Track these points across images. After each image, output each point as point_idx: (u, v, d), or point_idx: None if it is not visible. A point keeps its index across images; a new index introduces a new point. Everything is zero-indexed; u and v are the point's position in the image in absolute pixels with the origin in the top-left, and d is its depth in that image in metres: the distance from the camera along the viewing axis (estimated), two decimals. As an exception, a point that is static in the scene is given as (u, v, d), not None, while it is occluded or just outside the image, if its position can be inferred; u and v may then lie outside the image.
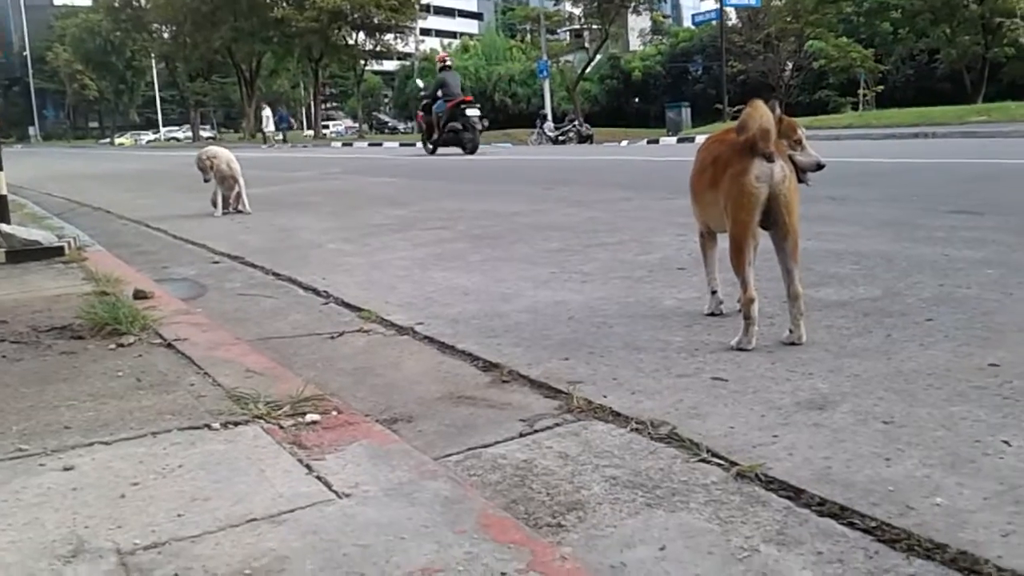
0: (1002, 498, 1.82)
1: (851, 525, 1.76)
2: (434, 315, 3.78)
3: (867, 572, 1.59)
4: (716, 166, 3.07)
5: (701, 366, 2.82)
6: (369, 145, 35.63)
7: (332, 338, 3.59)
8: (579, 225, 6.34)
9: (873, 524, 1.75)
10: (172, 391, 2.38)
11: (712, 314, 3.47)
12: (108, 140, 74.78)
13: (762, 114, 2.86)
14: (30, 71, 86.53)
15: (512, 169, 14.25)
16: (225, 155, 8.51)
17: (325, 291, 4.45)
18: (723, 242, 3.21)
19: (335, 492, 1.61)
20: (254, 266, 5.41)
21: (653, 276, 4.32)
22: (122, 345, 3.01)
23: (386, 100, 75.18)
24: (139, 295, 3.79)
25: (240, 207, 8.69)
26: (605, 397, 2.58)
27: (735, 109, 32.00)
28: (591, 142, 29.74)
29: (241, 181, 8.64)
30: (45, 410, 2.27)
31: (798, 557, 1.66)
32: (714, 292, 3.49)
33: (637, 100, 50.74)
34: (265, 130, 45.87)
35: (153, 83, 75.88)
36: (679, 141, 23.86)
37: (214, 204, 8.65)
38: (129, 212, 9.49)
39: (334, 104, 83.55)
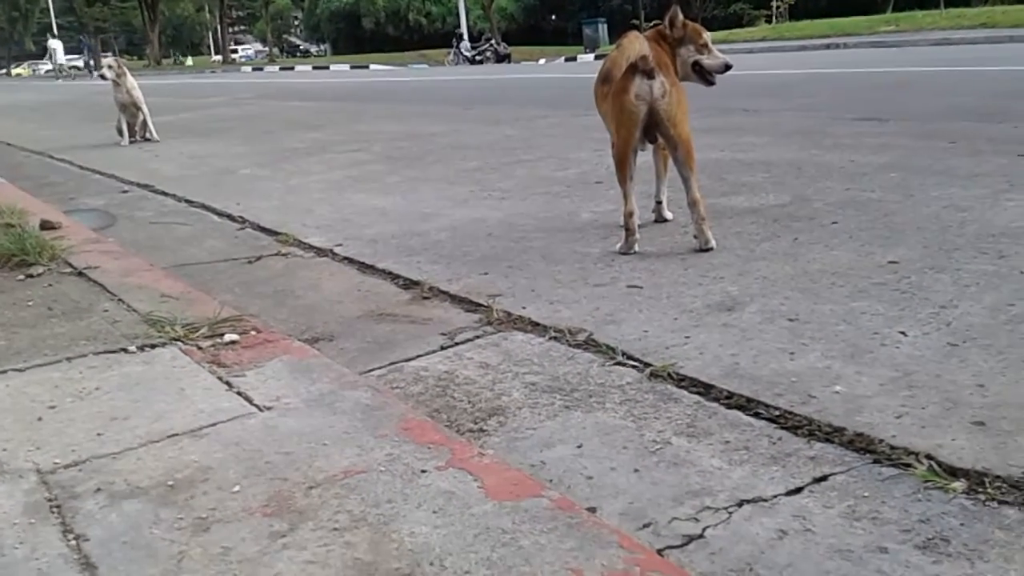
0: (897, 383, 1.93)
1: (757, 415, 1.85)
2: (352, 236, 3.76)
3: (771, 456, 1.69)
4: (607, 83, 3.10)
5: (617, 276, 2.88)
6: (281, 69, 34.59)
7: (250, 262, 3.55)
8: (497, 143, 6.32)
9: (777, 413, 1.84)
10: (86, 318, 2.34)
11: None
12: (4, 71, 70.86)
13: (635, 49, 2.90)
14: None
15: (429, 90, 14.03)
16: (128, 81, 8.18)
17: (240, 216, 4.37)
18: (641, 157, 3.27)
19: (256, 406, 1.62)
20: (165, 194, 5.27)
21: (571, 191, 4.35)
22: (31, 276, 2.93)
23: (296, 22, 72.73)
24: (46, 226, 3.66)
25: (147, 135, 8.40)
26: (524, 308, 2.63)
27: (651, 24, 31.94)
28: (509, 61, 29.37)
29: (144, 108, 8.34)
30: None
31: (707, 447, 1.74)
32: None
33: (554, 17, 50.11)
34: (56, 64, 43.25)
35: (49, 9, 71.81)
36: (597, 58, 23.73)
37: (120, 133, 8.35)
38: (32, 144, 9.09)
39: (242, 28, 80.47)
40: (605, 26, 28.86)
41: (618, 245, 3.12)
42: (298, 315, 2.82)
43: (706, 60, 3.15)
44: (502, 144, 6.25)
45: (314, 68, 33.37)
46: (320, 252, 3.58)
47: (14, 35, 78.93)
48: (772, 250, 3.05)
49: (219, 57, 59.42)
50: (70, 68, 42.78)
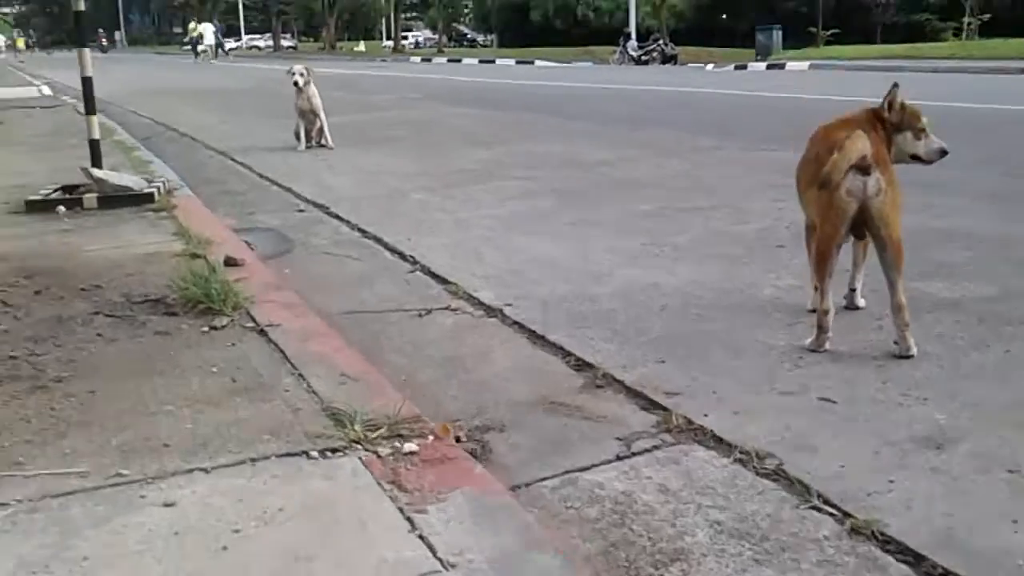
0: None
1: (978, 611, 1.66)
2: (523, 295, 3.69)
3: None
4: (817, 166, 2.90)
5: (807, 382, 2.69)
6: (448, 61, 35.25)
7: (420, 315, 3.55)
8: (667, 181, 6.14)
9: (1004, 615, 1.65)
10: (268, 399, 2.36)
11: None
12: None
13: (856, 149, 2.69)
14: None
15: (594, 100, 13.89)
16: (310, 89, 8.45)
17: (411, 256, 4.39)
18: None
19: (440, 559, 1.57)
20: (339, 219, 5.38)
21: (751, 255, 4.15)
22: (215, 328, 3.01)
23: (467, 10, 73.93)
24: (229, 262, 3.78)
25: (323, 141, 8.67)
26: (706, 416, 2.48)
27: (828, 33, 30.63)
28: (675, 62, 28.87)
29: (322, 115, 8.60)
30: (143, 418, 2.27)
31: (921, 650, 1.57)
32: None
33: (724, 16, 48.90)
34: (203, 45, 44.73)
35: (237, -9, 75.78)
36: (768, 68, 23.00)
37: (297, 137, 8.64)
38: (214, 141, 9.56)
39: (414, 15, 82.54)
40: (780, 33, 27.85)
41: (808, 341, 2.93)
42: (469, 393, 2.78)
43: (923, 150, 2.92)
44: (673, 182, 6.06)
45: (480, 61, 33.83)
46: (490, 311, 3.53)
47: (203, 13, 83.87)
48: (980, 364, 2.78)
49: (390, 43, 61.01)
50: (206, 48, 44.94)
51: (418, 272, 4.16)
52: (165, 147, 9.42)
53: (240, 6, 76.05)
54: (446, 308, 3.62)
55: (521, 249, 4.45)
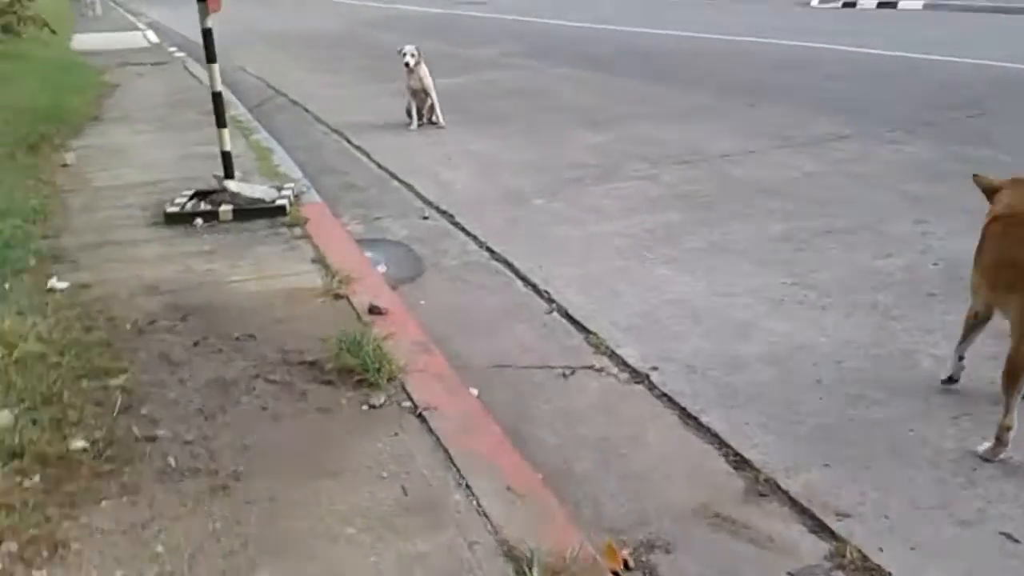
0: None
1: None
2: (666, 354, 3.66)
3: None
4: (1017, 270, 2.75)
5: (983, 506, 2.61)
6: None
7: (564, 376, 3.56)
8: (794, 188, 5.92)
9: None
10: (442, 523, 2.41)
11: (950, 379, 3.22)
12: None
13: None
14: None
15: (706, 55, 13.42)
16: (421, 69, 8.41)
17: (546, 292, 4.38)
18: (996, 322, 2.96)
19: None
20: (465, 231, 5.39)
21: (900, 305, 4.00)
22: (373, 407, 3.07)
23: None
24: (374, 310, 3.83)
25: (434, 119, 8.66)
26: (881, 551, 2.44)
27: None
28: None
29: (433, 94, 8.57)
30: (326, 544, 2.35)
31: None
32: (961, 358, 3.23)
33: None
34: None
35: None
36: (879, 6, 21.78)
37: (408, 115, 8.65)
38: (326, 113, 9.63)
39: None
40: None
41: (980, 448, 2.81)
42: (627, 492, 2.79)
43: None
44: (804, 191, 5.84)
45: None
46: (635, 375, 3.52)
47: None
48: None
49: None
50: None
51: (555, 313, 4.15)
52: (278, 121, 9.54)
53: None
54: (590, 368, 3.61)
55: (656, 286, 4.38)
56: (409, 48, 8.41)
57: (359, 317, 3.81)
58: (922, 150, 6.66)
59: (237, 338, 3.66)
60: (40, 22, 18.49)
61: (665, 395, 3.35)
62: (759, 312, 4.02)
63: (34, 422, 2.94)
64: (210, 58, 5.49)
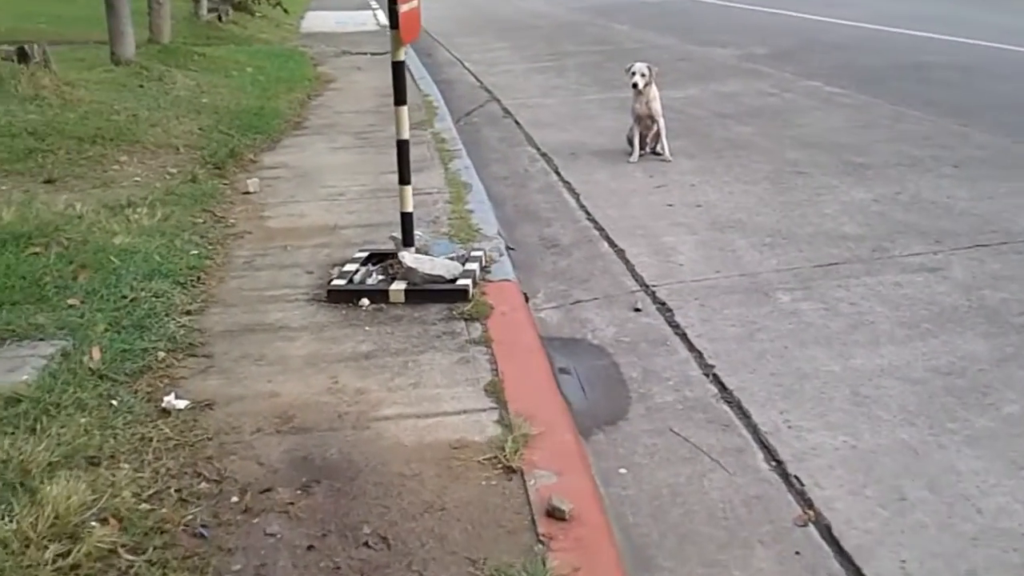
0: None
1: None
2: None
3: None
4: None
5: None
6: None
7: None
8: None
9: None
10: None
11: None
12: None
13: None
14: None
15: (1013, 82, 11.21)
16: (651, 92, 7.20)
17: (796, 477, 3.13)
18: None
19: None
20: (686, 341, 4.19)
21: None
22: None
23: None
24: (555, 514, 2.75)
25: (658, 149, 7.44)
26: None
27: None
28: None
29: (661, 122, 7.34)
30: None
31: None
32: None
33: None
34: None
35: None
36: None
37: (630, 143, 7.49)
38: (538, 130, 8.65)
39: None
40: None
41: None
42: None
43: None
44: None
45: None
46: None
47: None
48: None
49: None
50: None
51: (811, 527, 2.89)
52: (483, 135, 8.65)
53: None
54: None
55: (970, 494, 3.01)
56: (639, 67, 7.18)
57: (533, 523, 2.74)
58: None
59: (366, 543, 2.68)
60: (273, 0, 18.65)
61: None
62: None
63: None
64: (399, 99, 4.55)
